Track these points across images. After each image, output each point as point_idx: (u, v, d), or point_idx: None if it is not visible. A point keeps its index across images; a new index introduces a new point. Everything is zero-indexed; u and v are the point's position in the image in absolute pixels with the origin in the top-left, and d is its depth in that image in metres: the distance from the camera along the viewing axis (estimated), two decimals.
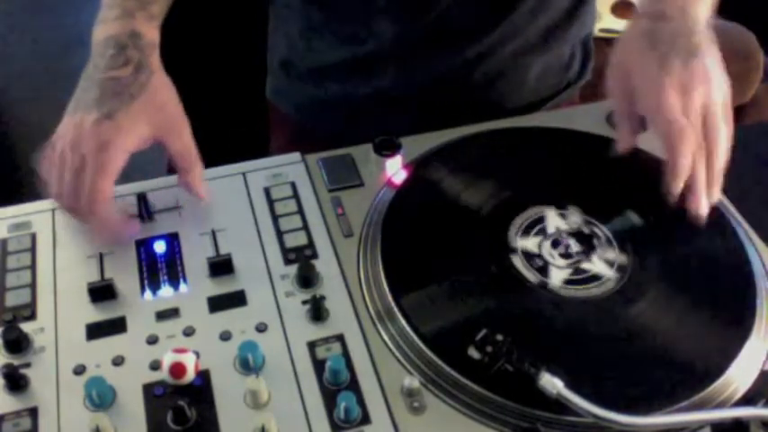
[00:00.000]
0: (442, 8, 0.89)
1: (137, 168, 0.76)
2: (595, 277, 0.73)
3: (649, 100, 0.73)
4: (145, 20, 0.77)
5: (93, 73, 0.75)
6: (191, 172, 0.77)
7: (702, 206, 0.72)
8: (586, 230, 0.76)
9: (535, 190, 0.81)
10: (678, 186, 0.72)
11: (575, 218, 0.77)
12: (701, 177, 0.72)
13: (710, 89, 0.72)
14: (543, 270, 0.74)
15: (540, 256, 0.75)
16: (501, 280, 0.73)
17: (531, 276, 0.73)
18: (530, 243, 0.76)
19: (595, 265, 0.74)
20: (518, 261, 0.74)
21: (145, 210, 0.78)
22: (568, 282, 0.73)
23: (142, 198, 0.78)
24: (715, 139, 0.72)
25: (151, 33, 0.78)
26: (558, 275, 0.73)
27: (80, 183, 0.71)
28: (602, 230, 0.76)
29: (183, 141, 0.76)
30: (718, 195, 0.74)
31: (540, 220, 0.78)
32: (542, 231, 0.77)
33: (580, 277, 0.73)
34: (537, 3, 0.92)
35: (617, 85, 0.78)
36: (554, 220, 0.77)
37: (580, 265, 0.74)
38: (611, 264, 0.74)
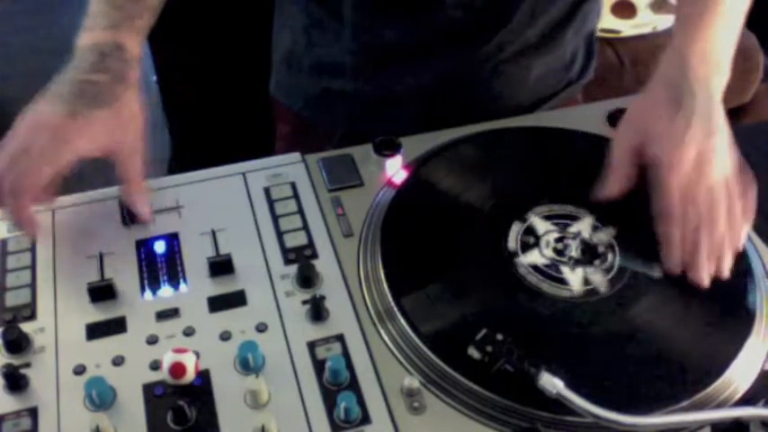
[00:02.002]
0: (444, 9, 0.89)
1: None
2: (561, 281, 0.73)
3: (663, 166, 0.72)
4: (130, 33, 0.78)
5: (70, 73, 0.75)
6: (134, 194, 0.77)
7: (701, 280, 0.71)
8: (601, 249, 0.75)
9: (535, 191, 0.81)
10: (675, 259, 0.72)
11: (602, 236, 0.76)
12: (700, 252, 0.71)
13: (722, 165, 0.72)
14: (526, 247, 0.75)
15: (537, 236, 0.75)
16: (499, 276, 0.73)
17: (513, 244, 0.74)
18: (541, 224, 0.77)
19: (573, 274, 0.73)
20: (515, 229, 0.75)
21: (127, 214, 0.78)
22: (534, 267, 0.73)
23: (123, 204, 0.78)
24: (717, 217, 0.71)
25: (135, 47, 0.78)
26: (531, 257, 0.74)
27: (14, 165, 0.71)
28: (613, 259, 0.75)
29: (134, 165, 0.76)
30: (726, 270, 0.72)
31: (573, 217, 0.78)
32: (563, 226, 0.77)
33: (548, 271, 0.73)
34: (537, 3, 0.91)
35: (627, 141, 0.76)
36: (583, 226, 0.77)
37: (560, 265, 0.74)
38: (587, 283, 0.73)
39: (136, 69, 0.77)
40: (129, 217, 0.78)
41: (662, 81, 0.76)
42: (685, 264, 0.72)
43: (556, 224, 0.77)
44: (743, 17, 0.80)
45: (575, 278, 0.73)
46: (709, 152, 0.72)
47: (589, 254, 0.75)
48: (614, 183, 0.76)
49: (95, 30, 0.77)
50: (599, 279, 0.73)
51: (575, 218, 0.78)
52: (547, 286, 0.72)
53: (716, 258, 0.71)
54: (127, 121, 0.76)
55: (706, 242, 0.71)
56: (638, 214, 0.74)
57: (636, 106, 0.78)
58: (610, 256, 0.75)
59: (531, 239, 0.76)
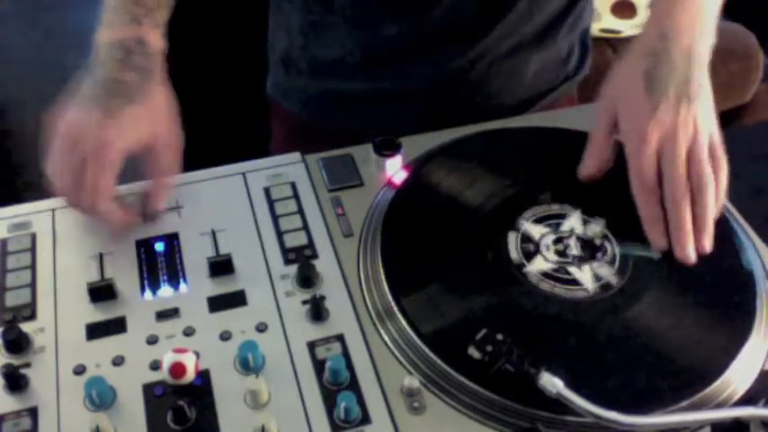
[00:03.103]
0: (441, 7, 0.89)
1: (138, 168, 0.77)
2: (574, 281, 0.72)
3: (631, 143, 0.73)
4: (151, 27, 0.78)
5: (98, 73, 0.75)
6: (162, 187, 0.78)
7: (688, 250, 0.71)
8: (598, 242, 0.76)
9: (535, 191, 0.81)
10: (656, 238, 0.72)
11: (595, 228, 0.76)
12: (686, 223, 0.71)
13: (697, 136, 0.71)
14: (528, 255, 0.74)
15: (535, 242, 0.75)
16: (499, 276, 0.73)
17: (515, 256, 0.74)
18: (535, 229, 0.76)
19: (583, 273, 0.73)
20: (512, 239, 0.75)
21: (148, 210, 0.78)
22: (544, 274, 0.73)
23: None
24: (701, 186, 0.71)
25: (157, 41, 0.78)
26: (537, 264, 0.73)
27: (81, 180, 0.72)
28: (612, 248, 0.75)
29: (170, 157, 0.77)
30: (709, 243, 0.72)
31: (561, 216, 0.78)
32: (555, 226, 0.77)
33: (558, 275, 0.73)
34: (533, 2, 0.92)
35: (606, 113, 0.76)
36: (573, 222, 0.77)
37: (567, 266, 0.74)
38: (598, 278, 0.73)
39: (160, 63, 0.78)
40: (149, 213, 0.78)
41: (640, 49, 0.75)
42: (671, 239, 0.71)
43: (548, 226, 0.77)
44: None
45: (585, 276, 0.73)
46: (681, 121, 0.71)
47: (589, 249, 0.75)
48: (590, 160, 0.76)
49: (116, 26, 0.77)
50: (607, 272, 0.73)
51: (563, 216, 0.78)
52: (561, 290, 0.72)
53: (701, 230, 0.71)
54: (160, 115, 0.77)
55: (687, 215, 0.70)
56: (623, 199, 0.74)
57: (611, 78, 0.77)
58: (608, 247, 0.75)
59: (530, 247, 0.75)
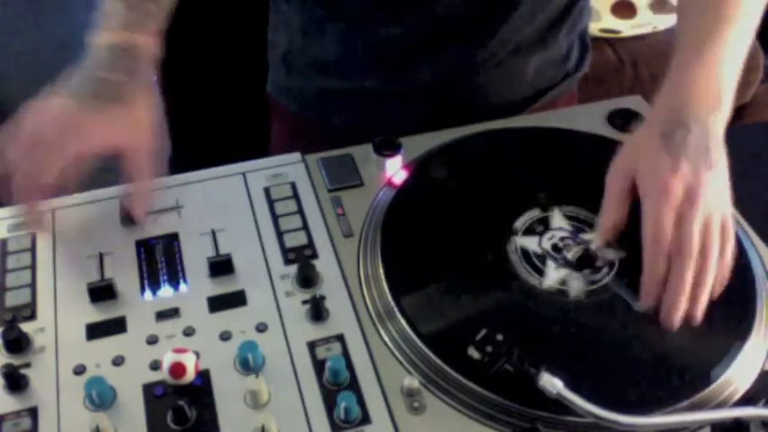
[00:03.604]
0: (442, 8, 0.89)
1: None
2: (538, 271, 0.73)
3: (652, 197, 0.69)
4: (146, 33, 0.78)
5: (87, 70, 0.75)
6: (138, 195, 0.77)
7: (674, 321, 0.67)
8: (599, 263, 0.74)
9: (535, 190, 0.81)
10: (649, 297, 0.68)
11: (611, 253, 0.74)
12: (684, 288, 0.67)
13: (716, 203, 0.68)
14: (530, 231, 0.75)
15: (547, 228, 0.76)
16: (499, 277, 0.73)
17: (519, 224, 0.75)
18: (558, 220, 0.77)
19: (554, 271, 0.73)
20: (530, 213, 0.76)
21: (125, 215, 0.78)
22: (524, 251, 0.74)
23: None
24: (707, 255, 0.67)
25: (150, 47, 0.78)
26: (528, 241, 0.74)
27: (32, 156, 0.71)
28: (607, 276, 0.73)
29: (143, 163, 0.76)
30: (699, 315, 0.68)
31: (592, 226, 0.77)
32: (578, 230, 0.77)
33: (533, 259, 0.73)
34: (534, 2, 0.92)
35: (620, 174, 0.72)
36: (558, 221, 0.77)
37: (548, 260, 0.74)
38: (562, 283, 0.72)
39: (151, 69, 0.78)
40: (127, 217, 0.78)
41: (655, 119, 0.73)
42: (663, 299, 0.68)
43: (573, 225, 0.77)
44: (751, 39, 0.76)
45: (553, 275, 0.73)
46: (703, 183, 0.68)
47: (584, 263, 0.74)
48: (608, 223, 0.72)
49: (110, 30, 0.77)
50: (576, 285, 0.72)
51: (592, 226, 0.77)
52: (522, 270, 0.72)
53: (695, 300, 0.68)
54: (139, 121, 0.76)
55: (690, 280, 0.67)
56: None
57: (627, 144, 0.74)
58: (602, 273, 0.73)
59: (540, 227, 0.76)
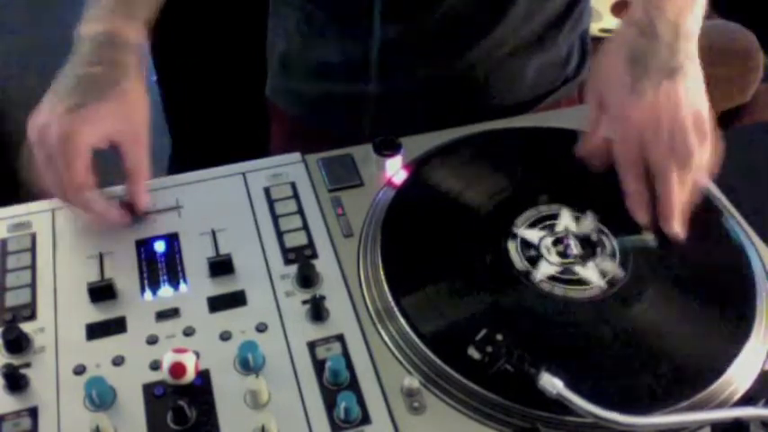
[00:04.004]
0: (441, 10, 0.89)
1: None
2: (581, 281, 0.72)
3: (614, 122, 0.73)
4: (132, 23, 0.77)
5: (71, 67, 0.75)
6: (136, 184, 0.77)
7: (673, 223, 0.71)
8: (594, 237, 0.75)
9: (535, 190, 0.81)
10: (640, 215, 0.73)
11: (588, 223, 0.76)
12: (670, 196, 0.71)
13: (679, 110, 0.71)
14: (531, 261, 0.74)
15: (536, 247, 0.75)
16: (492, 265, 0.73)
17: (519, 264, 0.74)
18: (532, 234, 0.76)
19: (588, 270, 0.73)
20: (512, 247, 0.75)
21: (127, 209, 0.78)
22: (552, 278, 0.72)
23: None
24: (684, 157, 0.71)
25: (134, 35, 0.77)
26: (543, 269, 0.73)
27: (56, 173, 0.72)
28: (610, 241, 0.75)
29: (139, 153, 0.76)
30: (685, 214, 0.72)
31: (553, 216, 0.78)
32: (550, 227, 0.77)
33: (565, 277, 0.73)
34: (532, 3, 0.92)
35: (593, 94, 0.77)
36: (566, 221, 0.77)
37: (572, 267, 0.74)
38: (603, 274, 0.73)
39: (133, 56, 0.77)
40: (129, 212, 0.77)
41: (626, 23, 0.75)
42: (659, 217, 0.72)
43: (542, 228, 0.77)
44: None
45: (591, 274, 0.73)
46: (664, 99, 0.71)
47: (589, 246, 0.75)
48: (586, 139, 0.77)
49: (91, 20, 0.77)
50: (610, 266, 0.73)
51: (554, 216, 0.78)
52: (573, 293, 0.72)
53: (687, 205, 0.71)
54: (129, 109, 0.75)
55: (675, 192, 0.70)
56: (610, 190, 0.74)
57: (599, 55, 0.77)
58: (606, 241, 0.75)
59: (531, 252, 0.75)
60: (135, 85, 0.76)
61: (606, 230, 0.76)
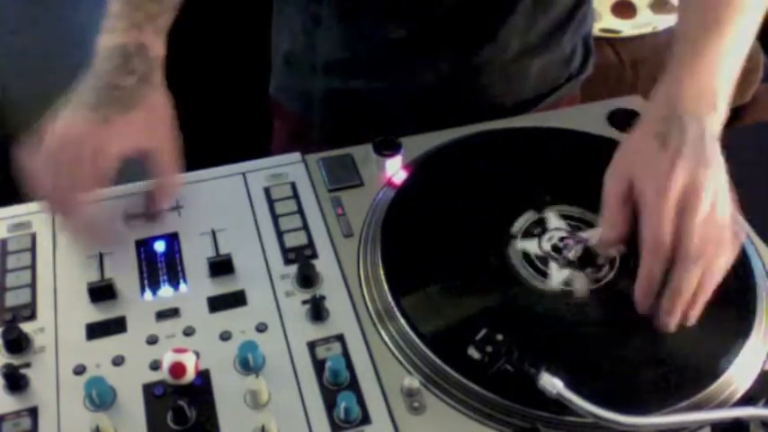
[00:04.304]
0: (445, 10, 0.89)
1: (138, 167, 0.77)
2: (543, 273, 0.72)
3: (649, 200, 0.66)
4: (152, 33, 0.78)
5: (95, 78, 0.75)
6: (165, 191, 0.78)
7: (672, 320, 0.66)
8: (601, 260, 0.73)
9: (535, 190, 0.81)
10: (644, 301, 0.66)
11: (611, 249, 0.74)
12: (687, 292, 0.65)
13: (716, 202, 0.66)
14: (528, 234, 0.75)
15: (545, 229, 0.76)
16: (499, 277, 0.73)
17: (516, 228, 0.75)
18: (554, 221, 0.77)
19: (558, 272, 0.73)
20: (527, 216, 0.76)
21: (149, 210, 0.78)
22: (525, 254, 0.74)
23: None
24: (707, 261, 0.65)
25: (157, 47, 0.78)
26: (528, 244, 0.74)
27: (74, 184, 0.72)
28: (609, 272, 0.73)
29: (168, 161, 0.76)
30: (695, 317, 0.67)
31: (589, 224, 0.77)
32: (576, 229, 0.77)
33: (535, 262, 0.73)
34: (536, 5, 0.92)
35: (619, 176, 0.70)
36: (595, 233, 0.74)
37: (550, 261, 0.74)
38: (566, 284, 0.72)
39: (160, 69, 0.78)
40: (150, 213, 0.78)
41: (650, 118, 0.71)
42: (659, 303, 0.66)
43: (569, 224, 0.77)
44: (751, 40, 0.75)
45: (557, 276, 0.73)
46: (703, 183, 0.65)
47: (586, 261, 0.74)
48: (609, 231, 0.70)
49: (117, 31, 0.77)
50: (581, 285, 0.72)
51: (590, 224, 0.77)
52: (526, 273, 0.72)
53: (692, 305, 0.66)
54: (156, 121, 0.76)
55: (689, 285, 0.65)
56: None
57: (623, 146, 0.72)
58: (605, 270, 0.73)
59: (537, 230, 0.76)
60: (161, 97, 0.77)
61: (617, 264, 0.73)
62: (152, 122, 0.76)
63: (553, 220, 0.77)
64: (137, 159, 0.75)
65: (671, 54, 0.73)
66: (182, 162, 0.78)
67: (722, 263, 0.66)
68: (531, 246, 0.75)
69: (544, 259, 0.74)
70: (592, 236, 0.75)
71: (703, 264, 0.65)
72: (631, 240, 0.70)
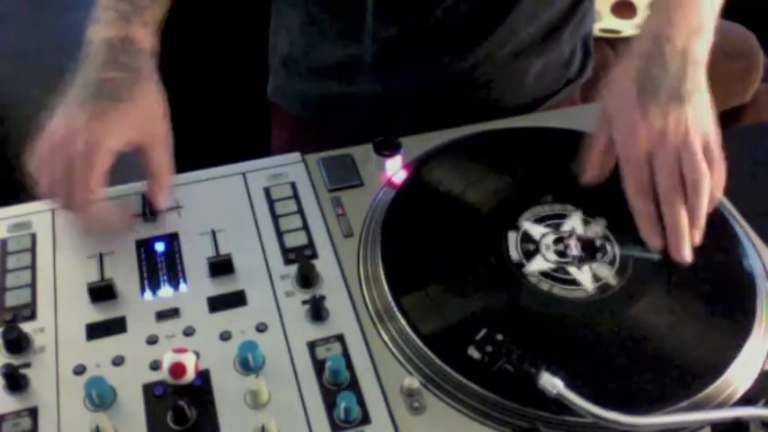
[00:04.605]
0: (442, 10, 0.89)
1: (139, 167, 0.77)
2: (573, 281, 0.72)
3: (622, 145, 0.73)
4: (140, 26, 0.78)
5: (86, 73, 0.75)
6: (159, 185, 0.78)
7: (683, 252, 0.71)
8: (598, 243, 0.75)
9: (534, 191, 0.81)
10: (650, 237, 0.72)
11: (596, 228, 0.76)
12: (679, 223, 0.71)
13: (688, 136, 0.71)
14: (528, 254, 0.74)
15: (536, 242, 0.75)
16: (496, 274, 0.73)
17: (515, 255, 0.74)
18: (535, 229, 0.76)
19: (582, 273, 0.73)
20: (512, 239, 0.75)
21: (149, 209, 0.78)
22: (543, 274, 0.73)
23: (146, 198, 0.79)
24: (694, 186, 0.71)
25: (146, 40, 0.78)
26: (537, 264, 0.73)
27: (71, 180, 0.72)
28: (613, 248, 0.75)
29: (162, 155, 0.77)
30: (699, 237, 0.72)
31: (561, 216, 0.78)
32: (556, 226, 0.77)
33: (557, 275, 0.73)
34: (535, 4, 0.92)
35: (601, 116, 0.77)
36: (574, 222, 0.77)
37: (566, 267, 0.73)
38: (597, 279, 0.73)
39: (149, 61, 0.77)
40: (149, 211, 0.78)
41: (634, 51, 0.75)
42: (667, 240, 0.72)
43: (548, 226, 0.77)
44: None
45: (584, 276, 0.73)
46: (681, 119, 0.71)
47: (589, 249, 0.75)
48: (590, 165, 0.76)
49: (103, 23, 0.77)
50: (606, 272, 0.73)
51: (563, 216, 0.78)
52: (559, 290, 0.72)
53: (695, 228, 0.71)
54: (149, 114, 0.76)
55: (681, 216, 0.71)
56: (624, 200, 0.74)
57: (607, 82, 0.77)
58: (609, 248, 0.75)
59: (530, 246, 0.75)
60: (153, 90, 0.77)
61: (612, 238, 0.76)
62: (143, 116, 0.75)
63: (533, 230, 0.77)
64: (136, 161, 0.76)
65: None
66: (175, 158, 0.78)
67: (703, 190, 0.71)
68: (540, 265, 0.74)
69: (561, 269, 0.74)
70: (573, 226, 0.76)
71: (689, 191, 0.71)
72: (604, 208, 0.75)
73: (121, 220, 0.77)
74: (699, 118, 0.72)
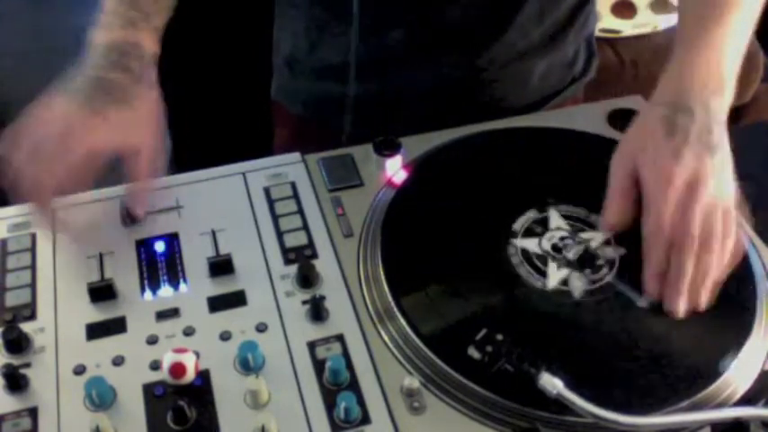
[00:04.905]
0: (448, 12, 0.89)
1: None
2: (541, 272, 0.72)
3: (654, 188, 0.68)
4: (148, 32, 0.78)
5: (88, 71, 0.75)
6: (137, 194, 0.77)
7: (677, 308, 0.68)
8: (600, 262, 0.73)
9: (535, 190, 0.81)
10: (654, 286, 0.69)
11: (610, 251, 0.74)
12: (686, 277, 0.67)
13: (719, 188, 0.68)
14: (529, 232, 0.75)
15: (546, 228, 0.76)
16: (499, 276, 0.73)
17: (518, 226, 0.75)
18: (555, 220, 0.77)
19: (556, 272, 0.73)
20: (529, 214, 0.76)
21: (127, 215, 0.78)
22: (524, 252, 0.73)
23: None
24: (709, 244, 0.67)
25: (152, 45, 0.78)
26: (528, 243, 0.74)
27: (38, 159, 0.70)
28: (608, 274, 0.73)
29: (144, 162, 0.75)
30: (704, 302, 0.69)
31: (591, 225, 0.77)
32: (577, 230, 0.76)
33: (534, 261, 0.73)
34: (541, 6, 0.92)
35: (624, 162, 0.72)
36: (596, 236, 0.75)
37: (549, 260, 0.73)
38: (564, 284, 0.72)
39: (153, 68, 0.77)
40: (128, 217, 0.78)
41: (657, 102, 0.72)
42: (664, 289, 0.68)
43: (571, 225, 0.77)
44: (752, 26, 0.76)
45: (555, 275, 0.73)
46: (706, 172, 0.67)
47: (585, 262, 0.74)
48: (613, 214, 0.72)
49: (112, 28, 0.77)
50: (577, 285, 0.72)
51: (592, 226, 0.77)
52: (524, 271, 0.72)
53: (698, 289, 0.68)
54: (142, 120, 0.76)
55: (691, 269, 0.67)
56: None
57: (630, 131, 0.74)
58: (604, 272, 0.73)
59: (538, 228, 0.75)
60: (152, 97, 0.77)
61: (617, 266, 0.73)
62: (140, 120, 0.75)
63: (555, 219, 0.77)
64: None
65: (676, 41, 0.74)
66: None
67: (727, 245, 0.68)
68: (532, 244, 0.75)
69: (543, 258, 0.74)
70: (593, 238, 0.75)
71: (701, 250, 0.67)
72: (632, 241, 0.71)
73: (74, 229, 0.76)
74: (726, 176, 0.69)
